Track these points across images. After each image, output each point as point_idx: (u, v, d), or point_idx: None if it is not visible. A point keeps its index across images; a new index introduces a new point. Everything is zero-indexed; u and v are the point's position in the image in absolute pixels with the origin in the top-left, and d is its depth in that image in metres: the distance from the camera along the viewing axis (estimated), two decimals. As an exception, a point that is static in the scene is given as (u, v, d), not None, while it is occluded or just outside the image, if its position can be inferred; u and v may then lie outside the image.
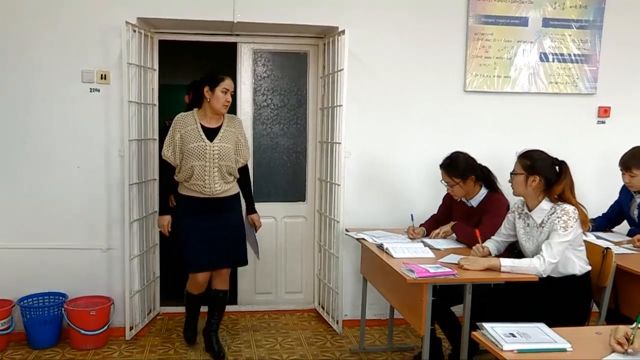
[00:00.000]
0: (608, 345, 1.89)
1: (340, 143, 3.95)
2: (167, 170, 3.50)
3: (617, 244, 3.42)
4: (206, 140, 3.38)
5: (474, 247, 3.13)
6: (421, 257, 3.13)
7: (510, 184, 3.05)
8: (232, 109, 4.20)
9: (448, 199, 3.71)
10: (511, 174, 3.03)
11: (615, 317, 3.10)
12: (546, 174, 2.92)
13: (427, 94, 4.27)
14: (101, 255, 3.90)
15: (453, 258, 3.07)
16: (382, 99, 4.21)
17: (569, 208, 2.87)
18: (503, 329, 2.03)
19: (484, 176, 3.50)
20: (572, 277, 2.92)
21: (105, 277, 3.91)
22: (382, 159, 4.29)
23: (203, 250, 3.43)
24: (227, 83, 3.39)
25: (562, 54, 4.35)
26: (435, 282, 2.81)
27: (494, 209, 3.39)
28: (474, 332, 2.10)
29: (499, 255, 3.10)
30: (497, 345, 1.91)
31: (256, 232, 3.86)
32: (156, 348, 3.72)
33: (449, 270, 2.83)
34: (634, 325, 1.80)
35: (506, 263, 2.87)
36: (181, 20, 3.89)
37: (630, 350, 1.76)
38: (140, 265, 3.90)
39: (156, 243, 4.18)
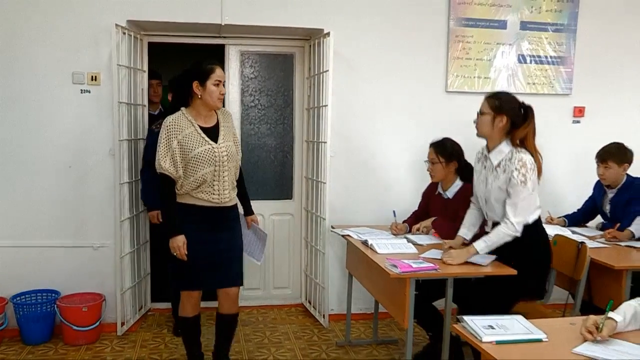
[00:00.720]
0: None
1: (326, 142, 4.03)
2: (167, 182, 2.98)
3: (591, 238, 3.54)
4: (211, 143, 2.98)
5: (443, 248, 3.16)
6: (404, 253, 3.19)
7: (475, 124, 3.03)
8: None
9: (426, 195, 3.80)
10: (478, 113, 2.99)
11: (589, 308, 3.16)
12: (513, 115, 2.89)
13: (410, 94, 4.37)
14: (93, 253, 3.94)
15: (435, 253, 3.14)
16: (366, 99, 4.31)
17: (526, 158, 2.84)
18: (482, 321, 2.08)
19: (465, 168, 3.56)
20: (526, 226, 2.93)
21: (97, 274, 3.94)
22: (367, 157, 4.38)
23: (204, 265, 3.02)
24: (218, 73, 2.96)
25: (539, 56, 4.49)
26: (418, 277, 2.87)
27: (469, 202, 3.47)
28: (454, 325, 2.16)
29: (474, 238, 3.12)
30: (476, 337, 1.97)
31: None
32: (147, 343, 3.78)
33: (431, 265, 2.90)
34: (603, 315, 1.89)
35: (480, 246, 2.90)
36: (170, 23, 3.95)
37: (599, 338, 1.85)
38: (131, 263, 3.96)
39: (147, 240, 4.24)
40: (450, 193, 3.58)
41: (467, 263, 2.93)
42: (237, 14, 3.99)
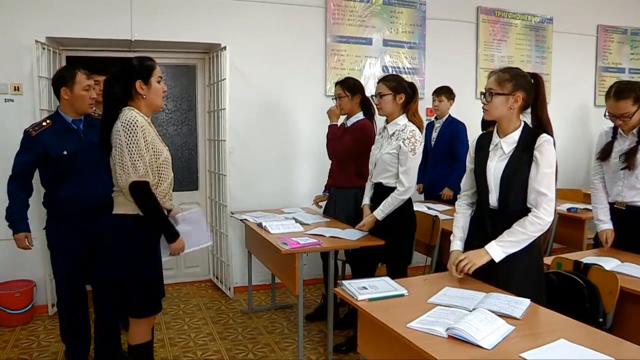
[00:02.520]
0: (434, 288, 2.22)
1: (225, 140, 4.41)
2: (146, 190, 2.47)
3: (442, 212, 4.09)
4: (166, 146, 2.64)
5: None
6: (293, 232, 3.44)
7: (377, 107, 3.31)
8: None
9: (330, 135, 3.94)
10: (379, 95, 3.23)
11: (440, 267, 3.60)
12: (406, 92, 3.23)
13: (296, 98, 4.88)
14: None
15: (324, 230, 3.41)
16: (259, 102, 4.75)
17: (416, 132, 3.15)
18: (357, 284, 2.26)
19: (367, 104, 3.82)
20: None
21: (27, 263, 4.03)
22: (261, 152, 4.81)
23: (161, 276, 2.69)
24: (158, 70, 2.56)
25: (398, 67, 5.24)
26: (304, 251, 3.11)
27: (357, 135, 3.73)
28: (335, 288, 2.36)
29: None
30: (353, 297, 2.17)
31: None
32: (76, 320, 4.11)
33: (315, 241, 3.19)
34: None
35: (378, 214, 3.19)
36: (85, 39, 4.23)
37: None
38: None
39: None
40: (350, 122, 3.84)
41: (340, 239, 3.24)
42: (145, 31, 4.33)
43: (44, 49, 4.03)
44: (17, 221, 3.03)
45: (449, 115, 4.74)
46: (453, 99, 4.76)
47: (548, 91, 5.68)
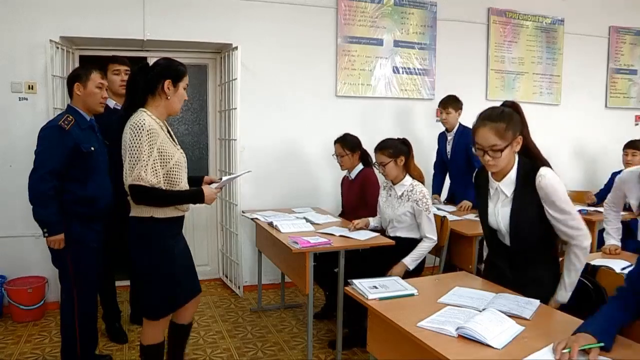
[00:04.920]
0: (444, 288, 2.23)
1: (236, 139, 4.41)
2: (152, 191, 2.41)
3: (451, 213, 4.17)
4: (180, 148, 2.61)
5: (349, 226, 3.53)
6: (304, 231, 3.49)
7: (382, 174, 3.53)
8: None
9: (342, 183, 4.31)
10: (381, 165, 3.47)
11: (450, 267, 3.80)
12: (403, 153, 3.47)
13: (307, 98, 4.91)
14: (36, 241, 4.04)
15: (335, 230, 3.49)
16: (269, 102, 4.77)
17: (424, 190, 3.43)
18: (368, 283, 2.29)
19: (364, 154, 4.10)
20: (414, 240, 3.48)
21: (40, 259, 4.04)
22: (271, 152, 4.82)
23: (187, 275, 2.66)
24: (187, 77, 2.58)
25: (409, 68, 5.25)
26: (315, 251, 3.14)
27: (367, 190, 3.94)
28: (346, 287, 2.36)
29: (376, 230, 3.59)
30: (363, 296, 2.19)
31: None
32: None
33: (325, 240, 3.22)
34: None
35: (409, 262, 3.37)
36: (99, 39, 4.28)
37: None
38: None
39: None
40: (353, 175, 4.10)
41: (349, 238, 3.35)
42: (158, 31, 4.38)
43: (57, 48, 4.08)
44: (57, 224, 2.90)
45: (460, 125, 4.63)
46: (461, 109, 4.61)
47: (559, 92, 5.73)
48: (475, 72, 5.60)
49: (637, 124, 6.41)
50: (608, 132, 6.16)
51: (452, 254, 3.80)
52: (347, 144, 4.06)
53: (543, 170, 2.17)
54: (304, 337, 3.72)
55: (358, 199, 4.02)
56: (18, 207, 4.00)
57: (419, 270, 3.50)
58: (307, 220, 3.80)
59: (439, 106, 4.65)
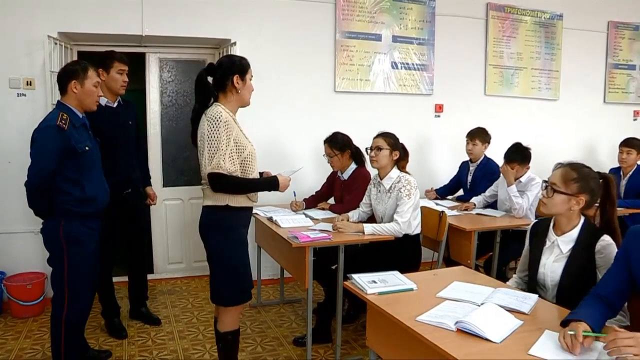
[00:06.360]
0: (443, 282, 2.25)
1: None
2: (228, 177, 2.55)
3: (449, 208, 4.19)
4: (251, 142, 2.72)
5: (335, 220, 3.50)
6: (303, 226, 3.49)
7: (372, 158, 3.50)
8: (142, 109, 4.69)
9: (331, 178, 4.25)
10: (377, 148, 3.46)
11: (448, 262, 3.86)
12: (400, 149, 3.52)
13: (306, 93, 4.91)
14: (35, 237, 4.01)
15: (326, 225, 3.49)
16: (268, 98, 4.70)
17: (410, 178, 3.44)
18: (367, 277, 2.30)
19: (356, 153, 4.03)
20: (409, 236, 3.42)
21: (39, 255, 3.95)
22: (270, 147, 4.81)
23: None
24: (251, 69, 2.69)
25: (407, 63, 5.25)
26: (315, 245, 3.14)
27: (359, 184, 3.90)
28: (345, 282, 2.38)
29: (363, 222, 3.59)
30: (362, 290, 2.22)
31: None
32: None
33: (325, 235, 3.22)
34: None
35: (368, 229, 3.33)
36: (97, 34, 4.27)
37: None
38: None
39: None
40: (346, 175, 4.05)
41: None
42: (156, 26, 4.36)
43: (55, 44, 4.07)
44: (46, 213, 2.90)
45: (484, 157, 4.58)
46: (488, 142, 4.55)
47: (557, 88, 5.74)
48: (474, 68, 5.60)
49: (635, 119, 6.42)
50: (606, 128, 6.19)
51: (450, 249, 3.83)
52: (336, 143, 3.99)
53: (608, 239, 2.17)
54: (303, 332, 3.71)
55: (356, 199, 3.93)
56: (17, 203, 4.00)
57: (414, 267, 3.47)
58: (307, 216, 3.81)
59: (466, 137, 4.61)
